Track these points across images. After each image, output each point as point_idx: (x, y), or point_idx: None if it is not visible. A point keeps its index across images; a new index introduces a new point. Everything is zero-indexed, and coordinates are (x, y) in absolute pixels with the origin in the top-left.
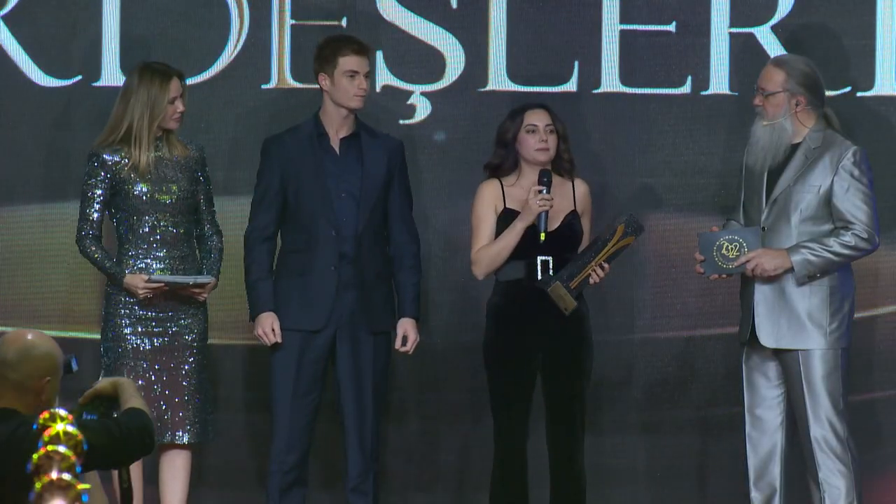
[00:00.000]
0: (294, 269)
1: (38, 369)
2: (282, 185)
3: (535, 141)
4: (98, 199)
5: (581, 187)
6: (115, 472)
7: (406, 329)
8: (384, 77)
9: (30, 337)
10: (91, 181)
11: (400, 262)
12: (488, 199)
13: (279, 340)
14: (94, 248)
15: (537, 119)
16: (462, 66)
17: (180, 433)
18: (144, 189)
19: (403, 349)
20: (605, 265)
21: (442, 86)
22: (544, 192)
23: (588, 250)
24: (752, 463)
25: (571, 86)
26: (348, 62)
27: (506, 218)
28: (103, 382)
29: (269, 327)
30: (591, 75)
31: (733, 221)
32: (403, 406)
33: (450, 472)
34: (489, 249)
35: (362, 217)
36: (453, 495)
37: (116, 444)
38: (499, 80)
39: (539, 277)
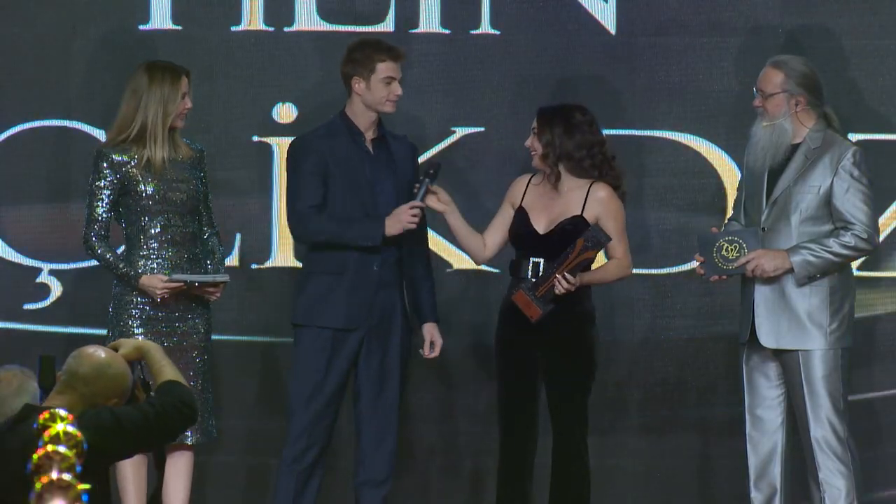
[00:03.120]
0: (330, 267)
1: (108, 389)
2: (322, 177)
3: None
4: (107, 200)
5: (598, 192)
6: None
7: (432, 334)
8: None
9: (104, 355)
10: (99, 181)
11: (412, 266)
12: (509, 194)
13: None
14: (103, 250)
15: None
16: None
17: (188, 433)
18: (154, 189)
19: (432, 355)
20: (570, 277)
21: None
22: (427, 182)
23: (555, 260)
24: (753, 463)
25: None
26: (387, 69)
27: (518, 215)
28: (127, 348)
29: (407, 218)
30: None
31: (733, 222)
32: (421, 406)
33: (465, 473)
34: None
35: None
36: (469, 496)
37: (154, 425)
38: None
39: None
